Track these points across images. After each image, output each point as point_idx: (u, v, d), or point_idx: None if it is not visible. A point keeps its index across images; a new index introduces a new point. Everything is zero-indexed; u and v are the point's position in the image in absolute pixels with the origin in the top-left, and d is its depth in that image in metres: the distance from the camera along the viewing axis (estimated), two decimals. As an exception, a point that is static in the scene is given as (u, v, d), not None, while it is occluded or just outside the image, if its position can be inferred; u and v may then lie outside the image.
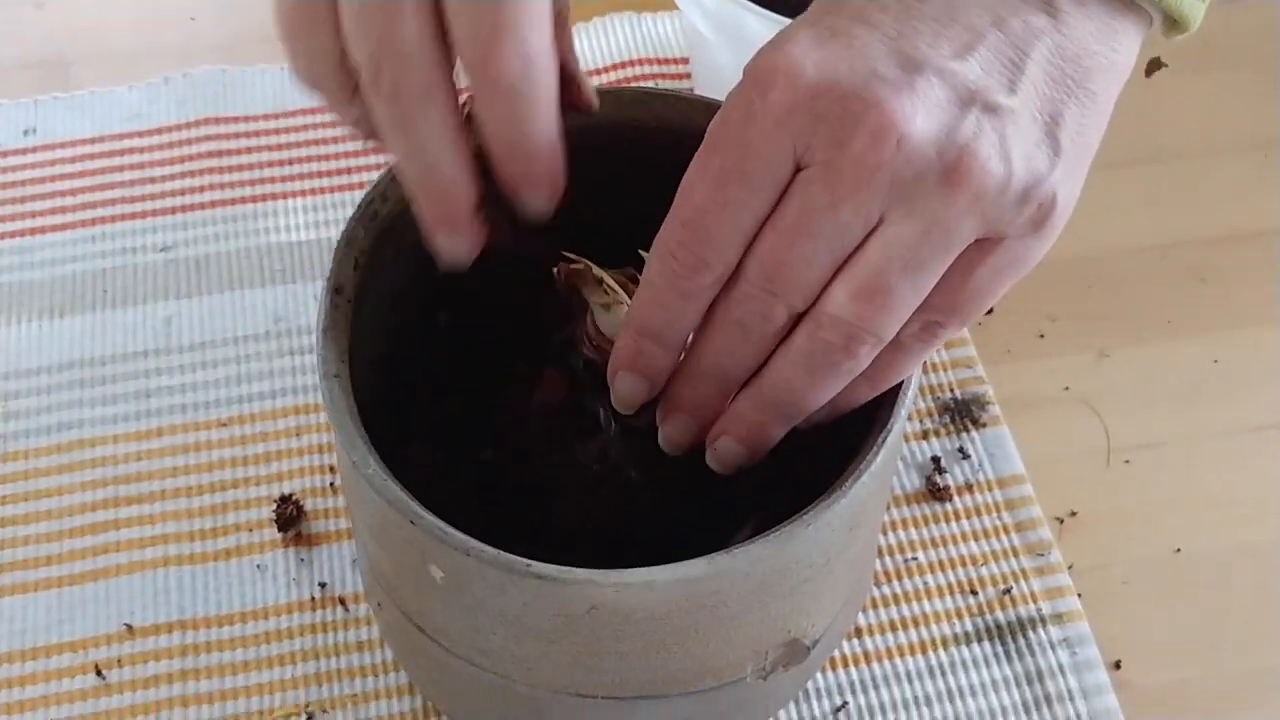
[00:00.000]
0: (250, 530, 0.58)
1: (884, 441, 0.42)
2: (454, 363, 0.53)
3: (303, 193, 0.68)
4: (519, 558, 0.40)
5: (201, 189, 0.68)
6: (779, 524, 0.50)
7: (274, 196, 0.68)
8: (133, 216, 0.67)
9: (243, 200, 0.67)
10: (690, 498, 0.50)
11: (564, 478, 0.49)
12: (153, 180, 0.68)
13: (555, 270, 0.47)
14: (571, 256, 0.46)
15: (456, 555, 0.40)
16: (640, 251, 0.47)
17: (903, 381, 0.43)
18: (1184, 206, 0.67)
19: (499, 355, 0.52)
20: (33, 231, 0.66)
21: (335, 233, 0.66)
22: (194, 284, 0.65)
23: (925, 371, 0.61)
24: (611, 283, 0.46)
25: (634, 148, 0.51)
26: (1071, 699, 0.53)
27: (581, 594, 0.40)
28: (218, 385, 0.62)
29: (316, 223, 0.67)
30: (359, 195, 0.67)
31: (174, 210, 0.67)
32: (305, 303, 0.64)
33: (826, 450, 0.53)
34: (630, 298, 0.46)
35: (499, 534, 0.50)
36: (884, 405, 0.43)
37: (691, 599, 0.41)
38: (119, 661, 0.54)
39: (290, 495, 0.58)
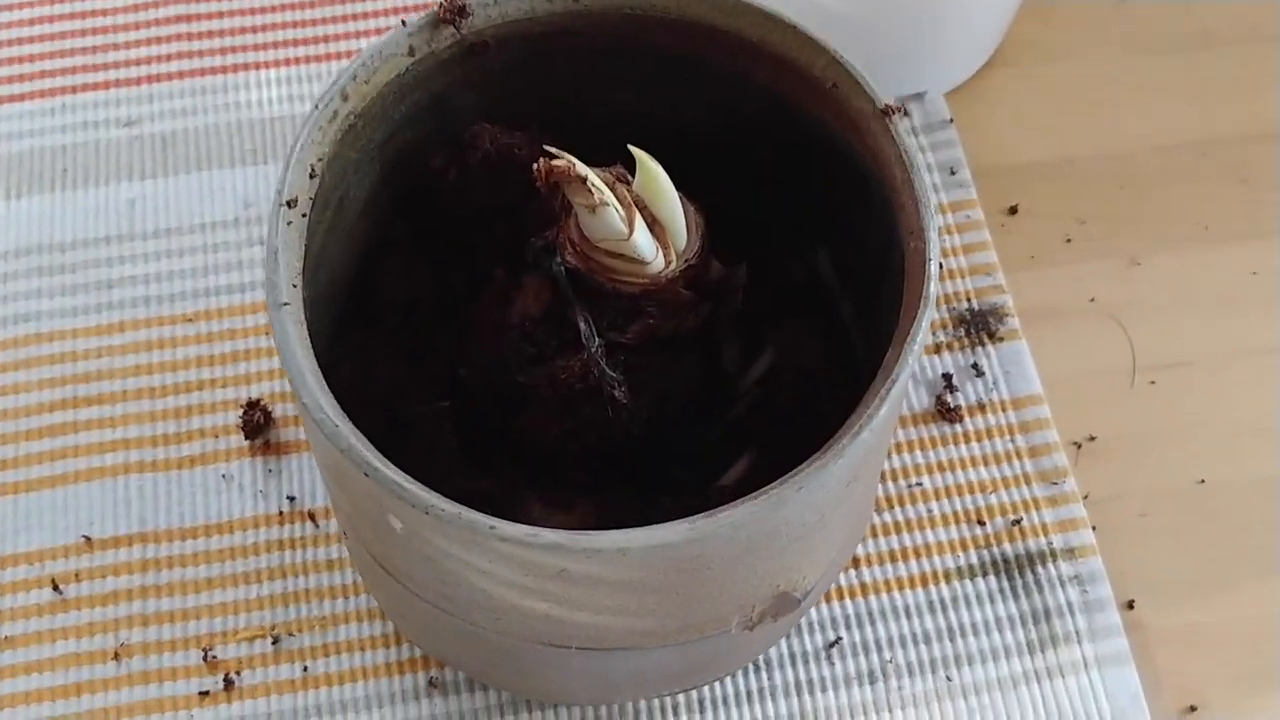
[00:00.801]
0: (216, 436, 0.54)
1: (888, 393, 0.38)
2: (425, 270, 0.48)
3: (277, 63, 0.63)
4: (482, 517, 0.36)
5: (169, 57, 0.63)
6: (773, 463, 0.47)
7: (246, 67, 0.63)
8: (95, 87, 0.62)
9: (212, 70, 0.63)
10: (681, 424, 0.47)
11: (544, 395, 0.45)
12: (116, 46, 0.63)
13: (535, 167, 0.42)
14: (553, 151, 0.42)
15: (415, 513, 0.37)
16: (630, 147, 0.42)
17: (913, 322, 0.39)
18: (1228, 99, 0.61)
19: (475, 261, 0.48)
20: (-14, 102, 0.62)
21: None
22: (159, 163, 0.60)
23: (940, 279, 0.57)
24: (597, 182, 0.41)
25: (626, 36, 0.46)
26: (1079, 641, 0.50)
27: (549, 558, 0.37)
28: (183, 276, 0.58)
29: (290, 97, 0.62)
30: (337, 67, 0.63)
31: (139, 80, 0.62)
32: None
33: (828, 378, 0.50)
34: (618, 199, 0.42)
35: (473, 457, 0.47)
36: (892, 344, 0.39)
37: (670, 563, 0.38)
38: (76, 575, 0.52)
39: (258, 401, 0.55)
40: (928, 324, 0.39)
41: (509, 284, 0.46)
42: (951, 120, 0.61)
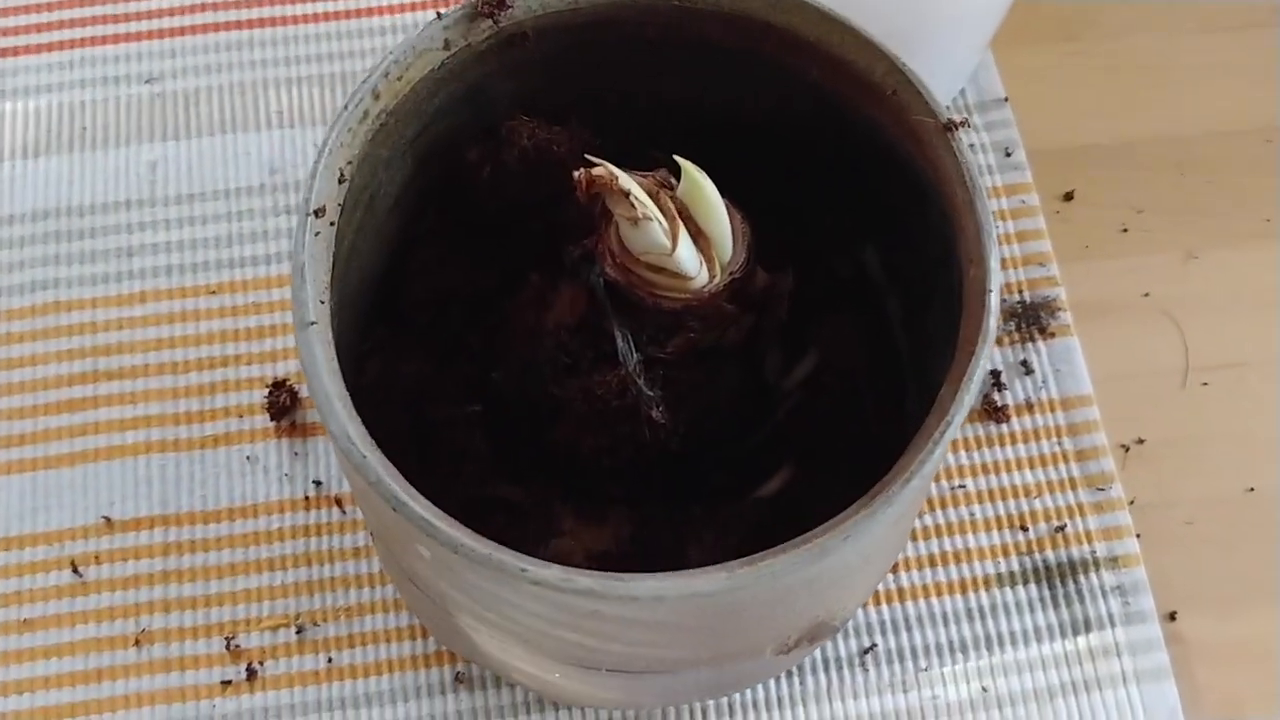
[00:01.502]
0: (240, 416, 0.53)
1: (942, 435, 0.36)
2: (458, 265, 0.47)
3: (306, 18, 0.60)
4: (513, 558, 0.35)
5: (193, 8, 0.60)
6: (812, 473, 0.45)
7: (273, 21, 0.60)
8: (115, 39, 0.60)
9: (238, 25, 0.60)
10: (721, 436, 0.45)
11: (579, 408, 0.43)
12: (137, -5, 0.61)
13: (576, 176, 0.40)
14: (595, 161, 0.39)
15: (444, 550, 0.35)
16: (676, 157, 0.40)
17: (971, 358, 0.37)
18: (1301, 82, 0.59)
19: (509, 257, 0.46)
20: (2, 52, 0.59)
21: (341, 68, 0.59)
22: (182, 124, 0.58)
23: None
24: (641, 195, 0.39)
25: (676, 26, 0.43)
26: (1119, 654, 0.49)
27: (583, 602, 0.35)
28: (207, 245, 0.56)
29: (319, 55, 0.60)
30: (370, 24, 0.60)
31: (161, 34, 0.60)
32: (305, 152, 0.58)
33: (870, 379, 0.48)
34: (661, 210, 0.40)
35: (504, 462, 0.46)
36: (948, 381, 0.37)
37: (707, 609, 0.36)
38: (96, 558, 0.51)
39: (284, 380, 0.53)
40: (986, 362, 0.37)
41: (545, 287, 0.44)
42: (1006, 99, 0.58)
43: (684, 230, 0.40)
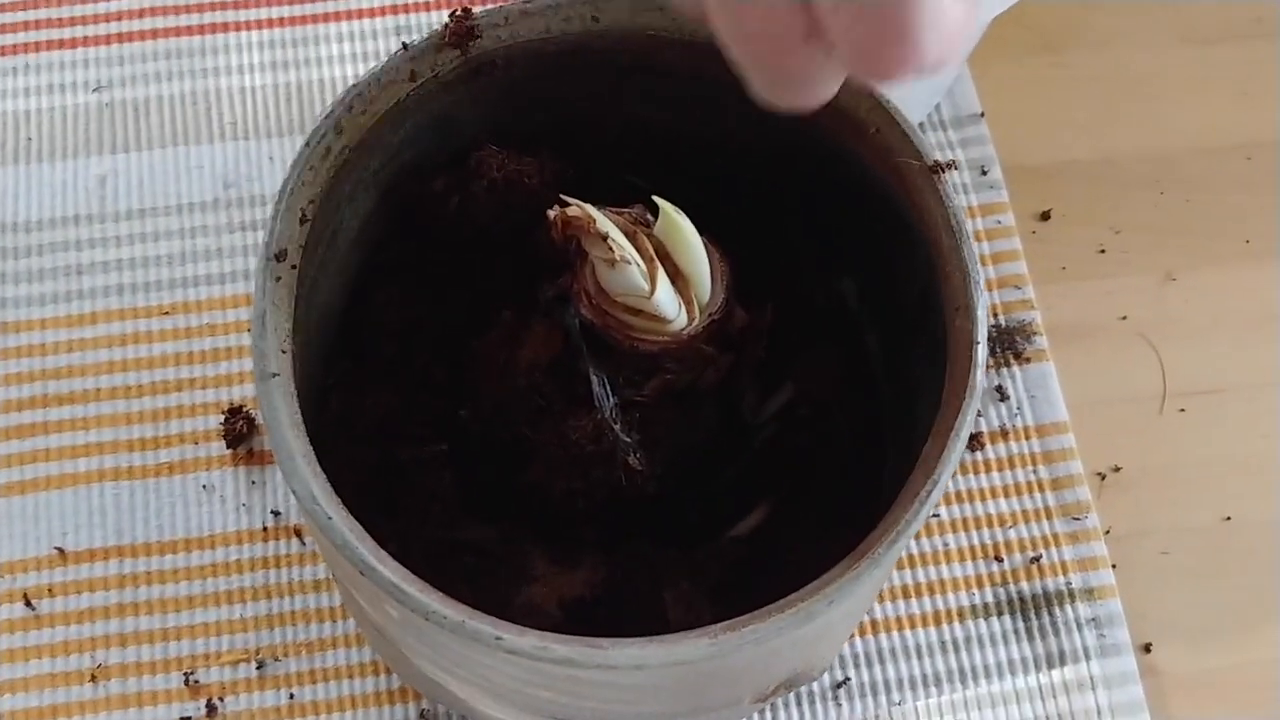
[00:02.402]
0: (196, 443, 0.51)
1: (928, 495, 0.35)
2: (423, 297, 0.45)
3: (259, 23, 0.58)
4: (488, 626, 0.34)
5: (142, 13, 0.58)
6: (788, 509, 0.44)
7: (225, 27, 0.58)
8: (61, 45, 0.57)
9: (189, 30, 0.58)
10: (697, 476, 0.44)
11: (552, 451, 0.42)
12: (84, -1, 0.58)
13: (551, 217, 0.38)
14: (570, 201, 0.38)
15: (414, 617, 0.34)
16: (654, 198, 0.39)
17: (957, 416, 0.36)
18: (1278, 97, 0.58)
19: (476, 290, 0.45)
20: (-57, 57, 0.57)
21: (296, 77, 0.57)
22: (132, 135, 0.56)
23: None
24: (618, 237, 0.38)
25: (648, 55, 0.42)
26: (1094, 688, 0.49)
27: (560, 670, 0.34)
28: (159, 264, 0.54)
29: (274, 63, 0.58)
30: (326, 30, 0.58)
31: (109, 39, 0.58)
32: (259, 165, 0.56)
33: (847, 411, 0.47)
34: (639, 250, 0.38)
35: (473, 501, 0.44)
36: (933, 437, 0.36)
37: (687, 673, 0.35)
38: (50, 590, 0.49)
39: (240, 407, 0.51)
40: (972, 417, 0.36)
41: (517, 325, 0.43)
42: (983, 114, 0.57)
43: (662, 272, 0.39)
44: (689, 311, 0.40)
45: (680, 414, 0.42)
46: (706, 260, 0.39)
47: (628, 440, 0.41)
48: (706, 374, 0.41)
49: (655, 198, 0.38)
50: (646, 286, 0.38)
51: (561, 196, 0.38)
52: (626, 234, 0.38)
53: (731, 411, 0.44)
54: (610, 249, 0.37)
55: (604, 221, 0.37)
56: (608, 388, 0.41)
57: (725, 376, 0.42)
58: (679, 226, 0.38)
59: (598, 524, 0.43)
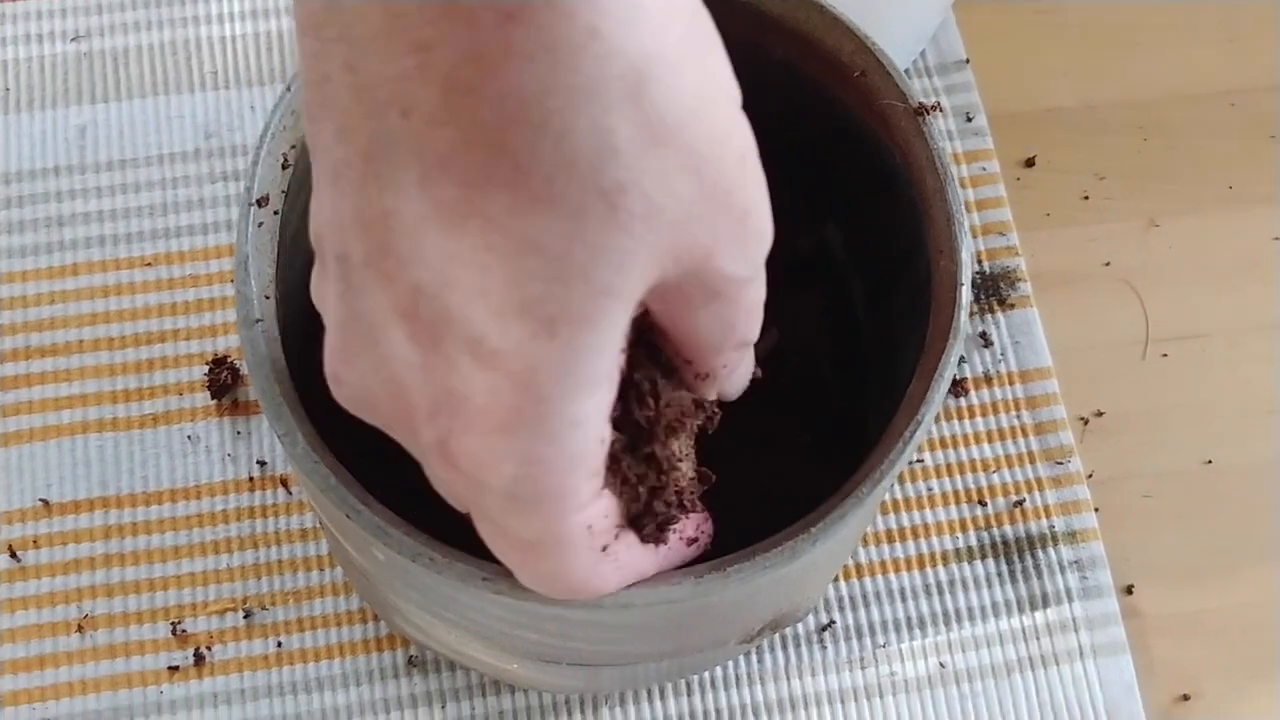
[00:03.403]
0: (180, 394, 0.51)
1: (912, 435, 0.35)
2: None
3: (239, -30, 0.58)
4: (476, 567, 0.34)
5: (119, -40, 0.58)
6: (772, 455, 0.45)
7: (204, -26, 0.58)
8: (38, -7, 0.57)
9: (168, -23, 0.57)
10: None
11: None
12: (59, -57, 0.58)
13: None
14: None
15: (401, 559, 0.34)
16: None
17: (941, 355, 0.36)
18: (1261, 46, 0.58)
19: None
20: (-81, 7, 0.56)
21: (277, 25, 0.57)
22: (111, 85, 0.55)
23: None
24: None
25: None
26: (1076, 630, 0.49)
27: (547, 609, 0.34)
28: (140, 215, 0.54)
29: (255, 11, 0.57)
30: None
31: (86, -15, 0.57)
32: (241, 115, 0.55)
33: (832, 357, 0.47)
34: None
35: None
36: (917, 377, 0.36)
37: (674, 612, 0.35)
38: (35, 542, 0.49)
39: (225, 357, 0.51)
40: (956, 358, 0.36)
41: None
42: (968, 61, 0.56)
43: None
44: None
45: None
46: None
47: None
48: None
49: None
50: None
51: None
52: None
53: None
54: None
55: None
56: None
57: None
58: None
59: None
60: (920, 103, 0.38)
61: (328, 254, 0.28)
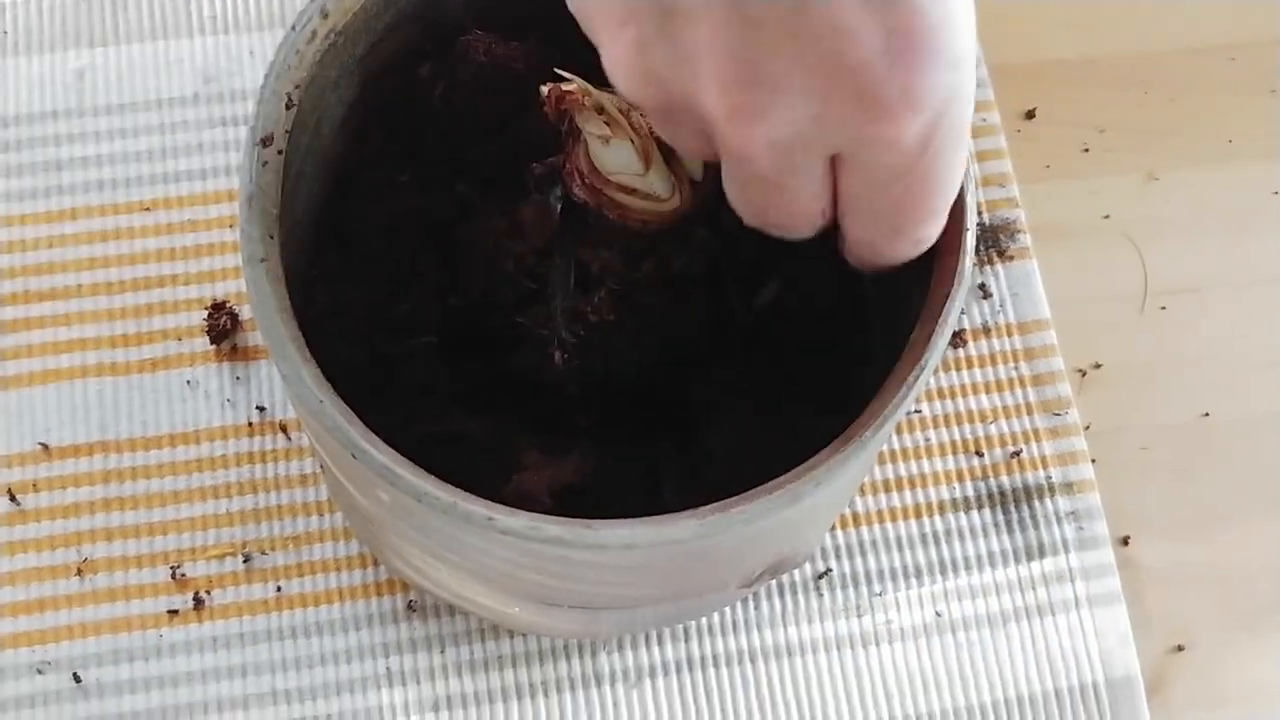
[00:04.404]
0: (179, 339, 0.51)
1: (915, 380, 0.35)
2: (408, 187, 0.45)
3: (237, -85, 0.57)
4: (480, 507, 0.34)
5: (116, -98, 0.57)
6: (773, 406, 0.45)
7: (202, -82, 0.57)
8: (34, -66, 0.56)
9: (165, -80, 0.57)
10: (686, 363, 0.44)
11: (541, 336, 0.42)
12: (56, -115, 0.57)
13: (545, 92, 0.38)
14: (565, 74, 0.38)
15: (406, 499, 0.34)
16: None
17: (946, 301, 0.36)
18: (1265, 0, 0.58)
19: (462, 180, 0.44)
20: (-86, -53, 0.56)
21: (276, -30, 0.56)
22: (110, 28, 0.55)
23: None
24: (614, 111, 0.37)
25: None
26: (1072, 580, 0.49)
27: (551, 549, 0.35)
28: (139, 159, 0.53)
29: (253, -45, 0.57)
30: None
31: (83, -72, 0.56)
32: (240, 60, 0.55)
33: (831, 326, 0.47)
34: (633, 128, 0.38)
35: (462, 393, 0.44)
36: (921, 322, 0.36)
37: (676, 553, 0.36)
38: (34, 486, 0.49)
39: (224, 303, 0.51)
40: (960, 304, 0.36)
41: (506, 210, 0.42)
42: (970, 11, 0.56)
43: (656, 150, 0.38)
44: (681, 191, 0.39)
45: (672, 299, 0.42)
46: None
47: (566, 339, 0.41)
48: (699, 256, 0.41)
49: None
50: (641, 163, 0.38)
51: (556, 71, 0.38)
52: (620, 112, 0.38)
53: (721, 301, 0.44)
54: (606, 124, 0.37)
55: (601, 96, 0.37)
56: (572, 274, 0.40)
57: (714, 262, 0.42)
58: None
59: (589, 411, 0.43)
60: (927, 48, 0.38)
61: None
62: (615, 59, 0.32)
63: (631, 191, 0.39)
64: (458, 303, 0.43)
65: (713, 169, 0.40)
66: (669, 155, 0.39)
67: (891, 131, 0.30)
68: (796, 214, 0.34)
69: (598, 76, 0.39)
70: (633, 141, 0.38)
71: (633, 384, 0.42)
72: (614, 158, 0.38)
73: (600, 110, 0.37)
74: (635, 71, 0.31)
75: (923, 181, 0.32)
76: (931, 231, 0.34)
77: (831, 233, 0.42)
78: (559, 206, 0.40)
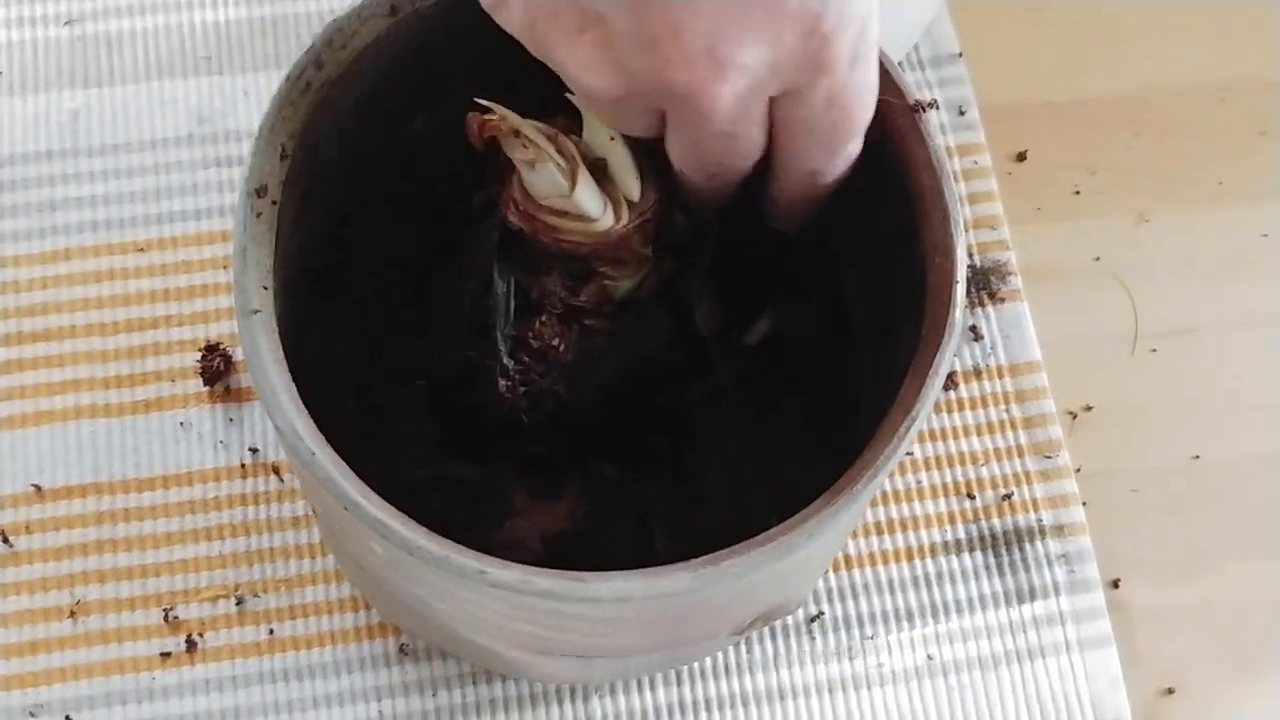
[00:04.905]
0: (173, 380, 0.51)
1: (907, 432, 0.36)
2: (398, 233, 0.45)
3: (232, -45, 0.58)
4: (472, 560, 0.34)
5: (111, -56, 0.57)
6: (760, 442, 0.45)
7: (198, -42, 0.57)
8: (30, -24, 0.57)
9: (161, -38, 0.57)
10: (653, 387, 0.44)
11: (491, 367, 0.42)
12: (52, -73, 0.57)
13: (469, 120, 0.39)
14: (487, 104, 0.38)
15: (398, 552, 0.34)
16: (567, 95, 0.39)
17: (936, 353, 0.36)
18: (1251, 41, 0.58)
19: (449, 231, 0.45)
20: (-91, -12, 0.56)
21: (270, 11, 0.57)
22: (105, 69, 0.55)
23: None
24: (533, 135, 0.38)
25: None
26: (1063, 623, 0.50)
27: (543, 603, 0.35)
28: (133, 200, 0.54)
29: (248, -4, 0.57)
30: (299, -37, 0.57)
31: (79, -30, 0.57)
32: (234, 100, 0.55)
33: (819, 368, 0.47)
34: (560, 152, 0.39)
35: (452, 437, 0.44)
36: (911, 373, 0.37)
37: (669, 605, 0.36)
38: (27, 527, 0.49)
39: (217, 344, 0.51)
40: (950, 356, 0.36)
41: (466, 249, 0.42)
42: (961, 54, 0.57)
43: (584, 170, 0.39)
44: (617, 213, 0.40)
45: (627, 324, 0.42)
46: (629, 157, 0.39)
47: (508, 366, 0.41)
48: (647, 279, 0.41)
49: (568, 95, 0.38)
50: (566, 184, 0.38)
51: (478, 101, 0.38)
52: (548, 138, 0.39)
53: (684, 325, 0.44)
54: (525, 147, 0.38)
55: (519, 120, 0.38)
56: (511, 301, 0.41)
57: (670, 282, 0.42)
58: (596, 125, 0.39)
59: (551, 441, 0.43)
60: (918, 100, 0.38)
61: None
62: (580, 64, 0.34)
63: (562, 214, 0.39)
64: (424, 344, 0.44)
65: (651, 188, 0.41)
66: (601, 177, 0.39)
67: (831, 54, 0.33)
68: (746, 155, 0.37)
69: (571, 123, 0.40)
70: (557, 164, 0.38)
71: (597, 412, 0.43)
72: (541, 181, 0.39)
73: (517, 133, 0.38)
74: (601, 68, 0.34)
75: (854, 94, 0.35)
76: (858, 143, 0.38)
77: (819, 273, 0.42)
78: (496, 235, 0.41)
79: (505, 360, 0.41)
